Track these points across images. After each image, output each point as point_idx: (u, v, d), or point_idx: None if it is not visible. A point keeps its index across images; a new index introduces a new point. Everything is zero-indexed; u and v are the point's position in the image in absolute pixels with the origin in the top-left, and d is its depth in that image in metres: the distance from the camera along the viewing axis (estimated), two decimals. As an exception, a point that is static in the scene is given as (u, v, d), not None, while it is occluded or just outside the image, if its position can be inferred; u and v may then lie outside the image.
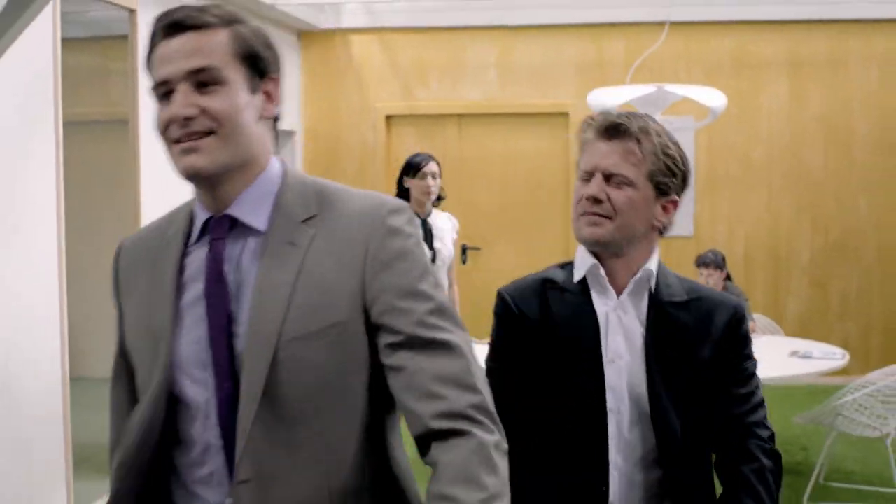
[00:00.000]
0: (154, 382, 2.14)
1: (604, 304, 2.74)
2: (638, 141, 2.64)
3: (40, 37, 5.88)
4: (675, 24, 9.98)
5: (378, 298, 2.11)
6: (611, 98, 7.33)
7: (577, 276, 2.77)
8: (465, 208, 10.14)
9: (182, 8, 2.11)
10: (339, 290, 2.11)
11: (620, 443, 2.68)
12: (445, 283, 6.67)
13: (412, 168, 6.59)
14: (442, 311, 2.12)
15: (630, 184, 2.65)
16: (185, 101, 2.06)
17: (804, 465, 7.58)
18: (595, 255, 2.76)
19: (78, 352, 6.40)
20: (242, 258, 2.15)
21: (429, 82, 10.86)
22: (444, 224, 6.75)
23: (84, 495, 6.46)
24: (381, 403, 2.16)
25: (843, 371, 8.27)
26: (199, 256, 2.19)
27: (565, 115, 10.65)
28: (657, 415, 2.65)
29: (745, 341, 2.78)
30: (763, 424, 2.76)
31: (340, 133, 10.99)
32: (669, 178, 2.68)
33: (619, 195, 2.65)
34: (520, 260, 10.74)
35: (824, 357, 7.19)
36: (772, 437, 2.77)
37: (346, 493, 2.10)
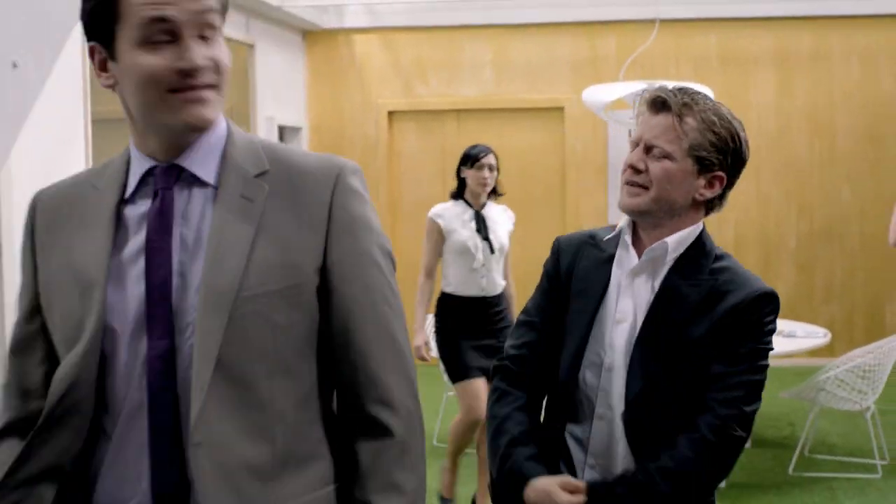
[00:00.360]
0: (84, 339, 1.98)
1: (625, 265, 2.79)
2: (679, 116, 2.67)
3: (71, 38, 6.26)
4: (665, 22, 10.32)
5: (338, 262, 2.05)
6: (604, 94, 7.70)
7: (610, 235, 2.85)
8: (465, 200, 10.49)
9: None
10: (301, 248, 2.02)
11: (609, 397, 2.75)
12: (499, 274, 6.58)
13: (470, 159, 6.46)
14: (393, 287, 2.13)
15: (668, 156, 2.68)
16: (204, 51, 1.96)
17: (790, 438, 8.00)
18: (636, 223, 2.83)
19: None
20: (190, 210, 2.03)
21: (428, 79, 11.21)
22: (499, 216, 6.70)
23: None
24: (327, 370, 2.11)
25: (828, 352, 8.70)
26: (139, 208, 2.05)
27: (560, 109, 11.02)
28: (631, 377, 2.70)
29: (753, 327, 2.72)
30: (730, 404, 2.70)
31: (344, 128, 11.33)
32: (713, 153, 2.70)
33: (656, 166, 2.69)
34: (515, 248, 11.05)
35: (807, 336, 7.62)
36: (735, 418, 2.70)
37: (291, 459, 2.02)
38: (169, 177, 2.03)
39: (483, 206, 6.59)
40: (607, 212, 10.92)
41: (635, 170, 2.72)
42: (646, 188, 2.70)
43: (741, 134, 2.77)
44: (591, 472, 2.78)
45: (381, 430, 2.06)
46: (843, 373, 7.11)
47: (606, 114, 8.06)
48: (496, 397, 2.93)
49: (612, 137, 10.93)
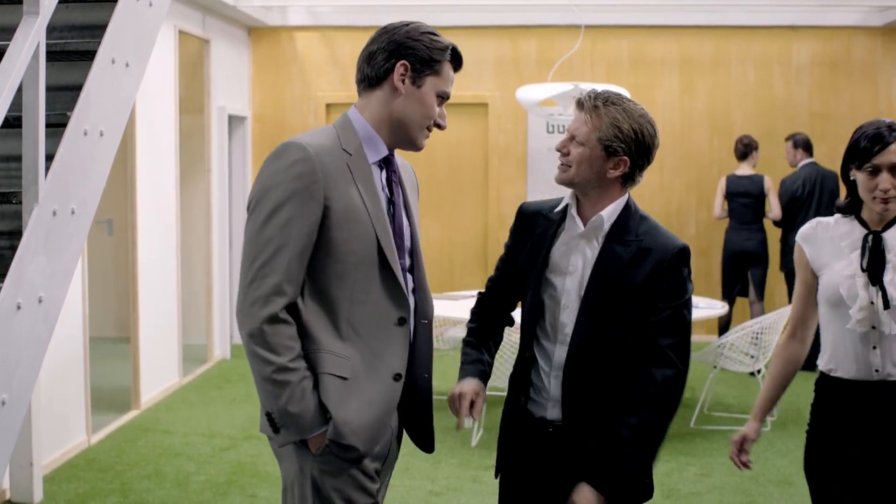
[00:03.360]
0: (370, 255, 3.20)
1: (573, 231, 3.45)
2: (591, 114, 3.35)
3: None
4: (576, 27, 11.32)
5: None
6: (535, 94, 8.71)
7: (558, 208, 3.50)
8: (398, 186, 11.38)
9: None
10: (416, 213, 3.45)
11: (566, 327, 3.42)
12: None
13: None
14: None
15: (583, 144, 3.35)
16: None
17: (691, 400, 9.07)
18: (578, 197, 3.49)
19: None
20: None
21: (364, 74, 12.03)
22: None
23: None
24: None
25: (731, 326, 9.81)
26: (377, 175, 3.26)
27: (485, 105, 12.01)
28: (582, 315, 3.38)
29: (669, 286, 3.37)
30: (667, 352, 3.36)
31: (285, 119, 12.17)
32: (617, 142, 3.33)
33: (575, 150, 3.37)
34: (443, 232, 12.07)
35: (707, 307, 8.72)
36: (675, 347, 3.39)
37: None
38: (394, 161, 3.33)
39: None
40: (526, 199, 11.89)
41: (562, 152, 3.40)
42: (569, 166, 3.38)
43: (647, 128, 3.37)
44: (555, 381, 3.45)
45: None
46: (736, 339, 8.24)
47: (536, 110, 9.08)
48: (470, 318, 3.76)
49: (532, 132, 11.97)
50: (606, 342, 3.37)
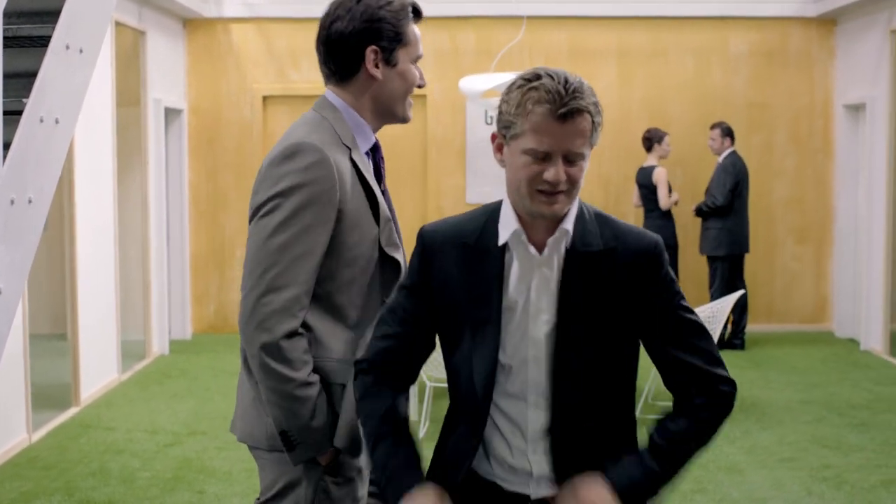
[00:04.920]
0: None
1: (527, 261, 2.69)
2: (592, 115, 2.58)
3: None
4: (520, 18, 11.33)
5: None
6: (478, 84, 8.68)
7: (501, 239, 2.69)
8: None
9: None
10: None
11: (538, 387, 2.70)
12: None
13: None
14: None
15: (583, 157, 2.60)
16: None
17: (636, 390, 9.11)
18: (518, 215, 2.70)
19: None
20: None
21: (300, 66, 11.99)
22: None
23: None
24: None
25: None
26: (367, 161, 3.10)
27: (423, 97, 11.96)
28: (558, 366, 2.67)
29: (660, 288, 2.70)
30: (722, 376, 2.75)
31: (221, 112, 12.05)
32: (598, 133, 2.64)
33: (575, 171, 2.59)
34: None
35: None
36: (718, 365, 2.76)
37: None
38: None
39: None
40: (465, 191, 11.92)
41: (559, 184, 2.58)
42: (567, 192, 2.59)
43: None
44: (537, 457, 2.73)
45: None
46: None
47: (480, 101, 9.05)
48: (365, 393, 2.82)
49: (470, 123, 11.96)
50: (602, 389, 2.71)
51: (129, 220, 10.45)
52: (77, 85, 4.07)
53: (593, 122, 2.59)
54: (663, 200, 10.89)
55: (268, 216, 2.89)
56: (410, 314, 2.78)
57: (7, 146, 3.53)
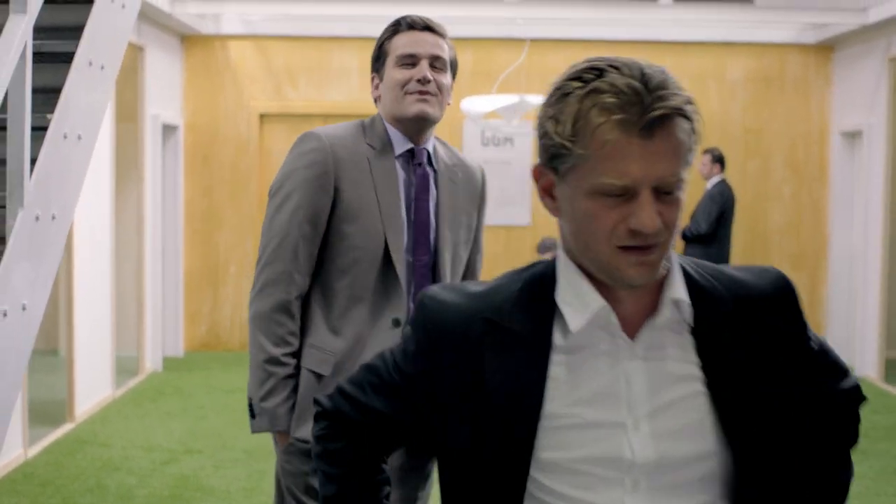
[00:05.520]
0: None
1: (618, 353, 1.77)
2: (692, 121, 1.73)
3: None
4: (518, 41, 11.39)
5: (478, 229, 3.41)
6: (481, 105, 8.70)
7: (576, 325, 1.77)
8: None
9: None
10: (469, 215, 3.35)
11: None
12: None
13: None
14: None
15: (683, 182, 1.78)
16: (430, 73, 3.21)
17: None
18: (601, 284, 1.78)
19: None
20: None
21: (298, 84, 11.99)
22: None
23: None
24: None
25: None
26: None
27: (420, 116, 11.93)
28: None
29: (796, 328, 1.88)
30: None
31: (218, 128, 11.99)
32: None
33: (674, 209, 1.76)
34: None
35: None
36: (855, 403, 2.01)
37: None
38: (422, 155, 3.25)
39: None
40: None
41: (655, 238, 1.70)
42: (665, 243, 1.73)
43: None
44: None
45: None
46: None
47: (482, 122, 9.06)
48: (336, 462, 1.99)
49: (467, 143, 11.95)
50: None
51: (125, 235, 10.41)
52: (98, 101, 4.06)
53: (693, 129, 1.72)
54: None
55: (273, 198, 3.18)
56: (396, 392, 1.91)
57: (33, 162, 3.52)
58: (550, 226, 11.76)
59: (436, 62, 3.24)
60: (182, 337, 11.88)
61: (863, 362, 10.90)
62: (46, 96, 3.85)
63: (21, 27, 3.29)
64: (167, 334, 11.61)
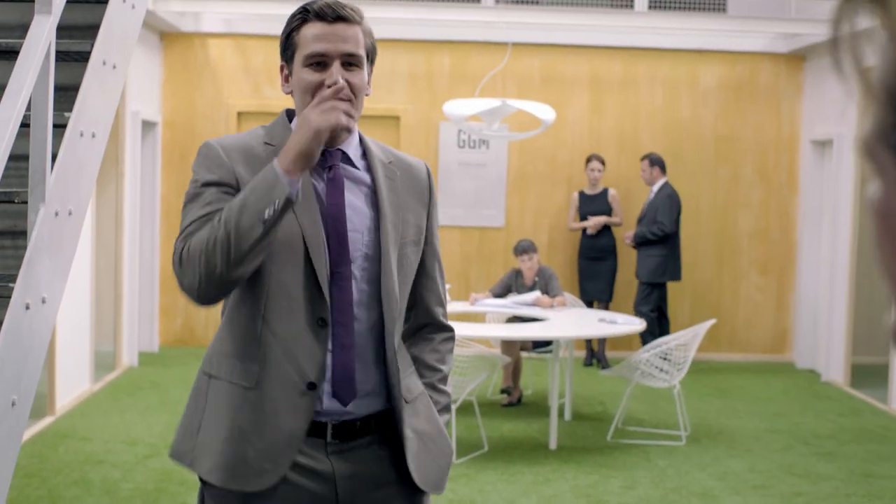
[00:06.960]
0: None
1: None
2: None
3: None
4: (495, 44, 11.52)
5: (430, 228, 3.10)
6: (462, 109, 8.81)
7: None
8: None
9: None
10: (417, 214, 3.05)
11: None
12: None
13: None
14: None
15: None
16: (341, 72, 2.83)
17: (604, 414, 9.27)
18: None
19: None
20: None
21: (276, 83, 11.93)
22: None
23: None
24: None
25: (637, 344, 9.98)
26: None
27: (396, 118, 12.08)
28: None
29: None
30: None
31: (196, 126, 12.07)
32: None
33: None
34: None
35: (626, 323, 8.90)
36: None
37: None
38: (336, 157, 2.94)
39: None
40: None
41: None
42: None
43: None
44: None
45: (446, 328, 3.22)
46: (651, 356, 8.42)
47: (464, 125, 9.18)
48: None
49: (443, 145, 12.08)
50: None
51: (105, 231, 10.47)
52: (110, 100, 4.15)
53: None
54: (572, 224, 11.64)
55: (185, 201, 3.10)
56: None
57: (53, 159, 3.62)
58: (524, 228, 11.92)
59: (350, 59, 2.85)
60: (157, 332, 11.94)
61: (829, 367, 11.11)
62: (62, 94, 3.94)
63: (46, 27, 3.38)
64: (142, 329, 11.66)
